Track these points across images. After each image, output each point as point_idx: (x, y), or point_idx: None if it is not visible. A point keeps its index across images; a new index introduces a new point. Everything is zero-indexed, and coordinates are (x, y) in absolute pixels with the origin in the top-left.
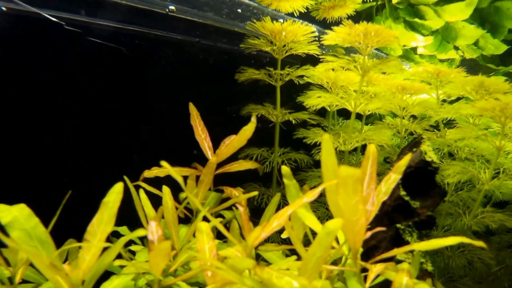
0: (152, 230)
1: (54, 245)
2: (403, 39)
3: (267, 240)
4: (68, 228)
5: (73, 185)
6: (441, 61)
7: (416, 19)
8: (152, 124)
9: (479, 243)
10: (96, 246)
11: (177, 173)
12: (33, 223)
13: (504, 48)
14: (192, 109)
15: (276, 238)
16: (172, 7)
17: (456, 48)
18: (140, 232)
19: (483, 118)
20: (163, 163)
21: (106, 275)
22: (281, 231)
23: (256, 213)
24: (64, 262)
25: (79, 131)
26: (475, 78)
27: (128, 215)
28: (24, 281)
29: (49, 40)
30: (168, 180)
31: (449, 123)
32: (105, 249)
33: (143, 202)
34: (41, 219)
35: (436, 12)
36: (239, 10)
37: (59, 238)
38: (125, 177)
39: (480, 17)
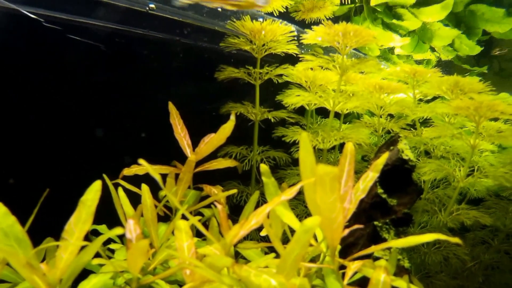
0: (130, 228)
1: (31, 244)
2: (381, 40)
3: (246, 237)
4: (46, 227)
5: (51, 183)
6: (418, 62)
7: (394, 20)
8: (132, 122)
9: (455, 240)
10: (74, 245)
11: (156, 171)
12: (10, 222)
13: (478, 49)
14: (172, 107)
15: (255, 235)
16: (152, 5)
17: (433, 49)
18: (118, 231)
19: (458, 117)
20: (141, 161)
21: (85, 274)
22: (260, 228)
23: (236, 211)
24: (42, 261)
25: (57, 129)
26: (451, 78)
27: (107, 213)
28: (0, 281)
29: (28, 37)
30: (148, 179)
31: (426, 122)
32: (83, 247)
33: (122, 200)
34: (18, 218)
35: (413, 14)
36: (219, 9)
37: (36, 237)
38: (104, 175)
39: (455, 19)
